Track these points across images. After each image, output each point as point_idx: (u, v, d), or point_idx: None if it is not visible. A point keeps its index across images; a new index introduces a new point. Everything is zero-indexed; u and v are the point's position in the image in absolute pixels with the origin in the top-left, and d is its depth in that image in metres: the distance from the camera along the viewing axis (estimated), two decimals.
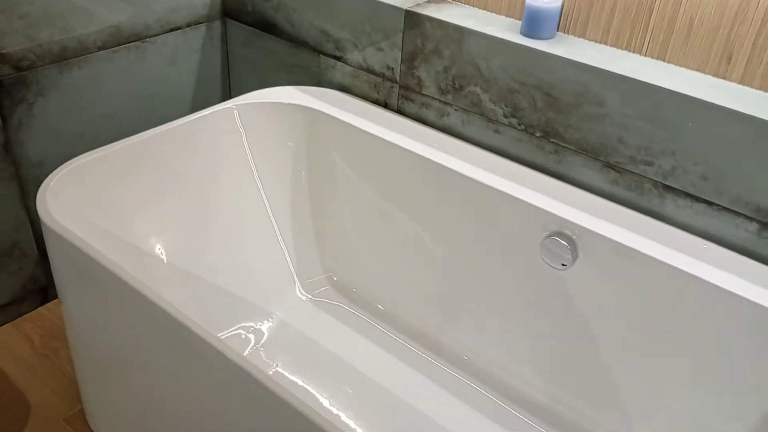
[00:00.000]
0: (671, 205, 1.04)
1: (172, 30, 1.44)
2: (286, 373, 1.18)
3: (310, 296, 1.33)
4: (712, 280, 0.94)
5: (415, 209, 1.23)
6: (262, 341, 1.24)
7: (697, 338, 0.98)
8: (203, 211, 1.23)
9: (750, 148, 0.94)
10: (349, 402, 1.15)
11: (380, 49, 1.29)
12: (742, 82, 0.99)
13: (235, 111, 1.25)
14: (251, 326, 1.26)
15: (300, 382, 1.17)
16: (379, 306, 1.32)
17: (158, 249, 1.17)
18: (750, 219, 0.97)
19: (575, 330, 1.10)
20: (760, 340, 0.93)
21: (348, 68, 1.36)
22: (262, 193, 1.29)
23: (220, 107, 1.24)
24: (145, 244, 1.15)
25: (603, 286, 1.05)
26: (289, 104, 1.28)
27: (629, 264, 1.01)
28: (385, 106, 1.34)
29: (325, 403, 1.14)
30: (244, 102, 1.27)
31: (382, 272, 1.31)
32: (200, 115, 1.22)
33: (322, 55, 1.39)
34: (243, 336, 1.24)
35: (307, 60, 1.42)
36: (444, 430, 1.12)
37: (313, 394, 1.15)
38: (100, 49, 1.33)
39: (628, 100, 1.02)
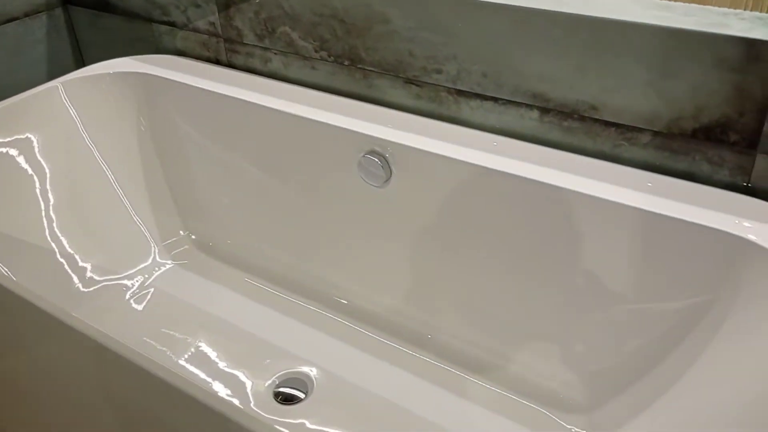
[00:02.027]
0: (466, 108, 1.07)
1: (9, 21, 1.46)
2: (149, 333, 1.22)
3: (170, 257, 1.36)
4: (506, 170, 0.98)
5: (255, 155, 1.26)
6: (122, 301, 1.27)
7: (505, 227, 1.02)
8: (42, 190, 1.25)
9: (513, 37, 0.97)
10: (208, 350, 1.18)
11: (198, 6, 1.31)
12: None
13: (60, 87, 1.27)
14: (110, 291, 1.29)
15: (160, 339, 1.21)
16: (239, 255, 1.35)
17: None
18: (530, 107, 1.01)
19: (407, 242, 1.14)
20: (554, 216, 0.97)
21: (179, 32, 1.38)
22: (103, 164, 1.31)
23: (44, 87, 1.27)
24: None
25: (420, 195, 1.09)
26: (115, 73, 1.31)
27: (436, 170, 1.05)
28: (217, 62, 1.36)
29: (179, 355, 1.18)
30: (69, 78, 1.30)
31: (238, 223, 1.34)
32: (22, 96, 1.24)
33: (153, 23, 1.41)
34: (102, 299, 1.27)
35: (142, 31, 1.44)
36: (299, 358, 1.16)
37: (171, 347, 1.19)
38: None
39: (408, 12, 1.05)
